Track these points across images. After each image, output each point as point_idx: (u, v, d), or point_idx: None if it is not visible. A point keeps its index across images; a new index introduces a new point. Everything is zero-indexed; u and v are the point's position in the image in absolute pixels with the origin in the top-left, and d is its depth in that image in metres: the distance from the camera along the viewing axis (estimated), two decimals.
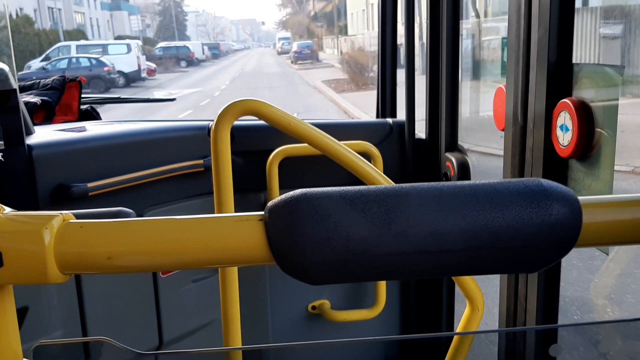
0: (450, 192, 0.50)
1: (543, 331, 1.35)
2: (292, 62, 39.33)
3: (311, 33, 57.87)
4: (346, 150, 1.61)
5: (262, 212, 0.51)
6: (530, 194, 0.50)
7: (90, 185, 1.69)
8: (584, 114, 1.21)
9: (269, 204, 0.51)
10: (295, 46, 40.97)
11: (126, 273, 0.51)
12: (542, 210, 0.49)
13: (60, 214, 0.50)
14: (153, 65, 30.36)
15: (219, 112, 1.50)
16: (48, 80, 2.29)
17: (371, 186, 0.51)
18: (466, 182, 0.52)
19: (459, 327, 1.43)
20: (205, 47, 49.85)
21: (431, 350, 2.17)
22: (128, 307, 1.91)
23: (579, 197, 0.51)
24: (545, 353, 1.28)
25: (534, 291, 1.38)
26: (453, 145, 2.04)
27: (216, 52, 54.50)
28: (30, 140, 1.66)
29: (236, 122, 1.96)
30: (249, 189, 2.08)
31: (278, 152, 2.03)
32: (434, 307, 2.23)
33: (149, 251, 0.49)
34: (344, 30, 45.72)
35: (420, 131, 2.20)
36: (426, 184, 0.51)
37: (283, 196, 0.51)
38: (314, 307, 2.29)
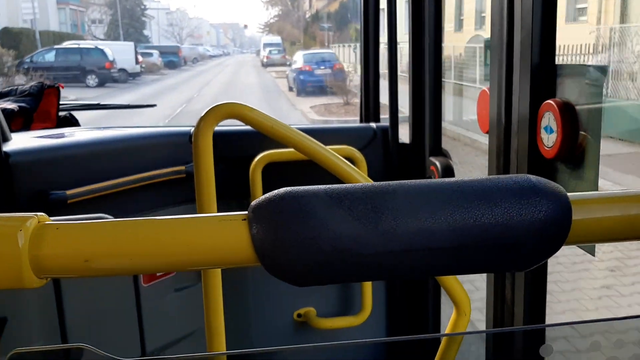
0: (438, 189, 0.49)
1: (531, 332, 1.35)
2: (291, 88, 21.22)
3: (310, 38, 43.45)
4: (331, 154, 1.60)
5: (246, 212, 0.49)
6: (519, 190, 0.48)
7: (69, 192, 1.66)
8: (568, 115, 1.21)
9: (253, 202, 0.49)
10: (299, 59, 20.87)
11: (105, 277, 0.49)
12: (532, 207, 0.48)
13: (35, 215, 0.48)
14: None
15: (201, 116, 1.48)
16: (26, 86, 2.26)
17: (357, 184, 0.50)
18: (454, 179, 0.50)
19: (446, 332, 1.42)
20: (155, 53, 35.00)
21: (418, 355, 2.15)
22: (109, 317, 1.87)
23: (569, 194, 0.50)
24: (534, 354, 1.28)
25: (521, 292, 1.37)
26: (437, 149, 2.04)
27: (174, 60, 38.59)
28: (7, 147, 1.63)
29: (218, 128, 1.94)
30: (233, 196, 2.06)
31: (261, 158, 2.01)
32: (420, 313, 2.22)
33: (128, 253, 0.47)
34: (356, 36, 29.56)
35: (404, 135, 2.20)
36: (413, 181, 0.50)
37: (267, 195, 0.49)
38: (299, 315, 2.26)
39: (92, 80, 23.81)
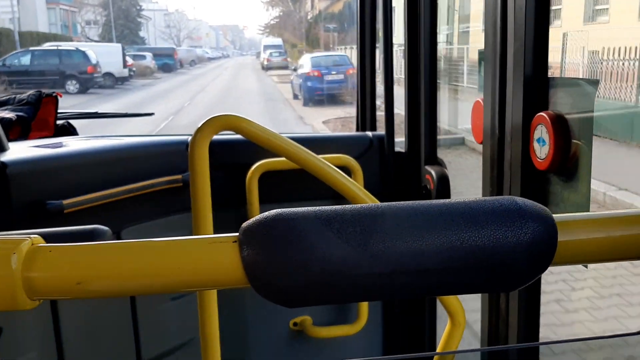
0: (425, 211, 0.50)
1: (525, 350, 1.35)
2: (296, 96, 18.55)
3: (312, 40, 40.43)
4: (326, 164, 1.61)
5: (237, 234, 0.50)
6: (505, 212, 0.49)
7: (65, 202, 1.66)
8: (560, 127, 1.22)
9: (244, 225, 0.50)
10: (306, 63, 17.98)
11: (96, 297, 0.49)
12: (517, 229, 0.49)
13: (29, 237, 0.49)
14: None
15: (198, 127, 1.49)
16: (24, 95, 2.26)
17: (347, 206, 0.51)
18: (441, 200, 0.51)
19: (440, 342, 1.43)
20: (148, 55, 32.12)
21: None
22: (105, 326, 1.87)
23: (554, 215, 0.51)
24: None
25: (515, 308, 1.38)
26: (432, 158, 2.05)
27: (169, 63, 35.91)
28: (5, 157, 1.63)
29: (215, 137, 1.94)
30: (229, 204, 2.07)
31: (257, 167, 2.02)
32: (416, 322, 2.22)
33: (120, 276, 0.48)
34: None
35: (400, 144, 2.21)
36: (402, 203, 0.51)
37: (258, 217, 0.50)
38: (295, 324, 2.27)
39: (72, 85, 21.31)
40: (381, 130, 2.24)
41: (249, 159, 2.05)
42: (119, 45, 27.35)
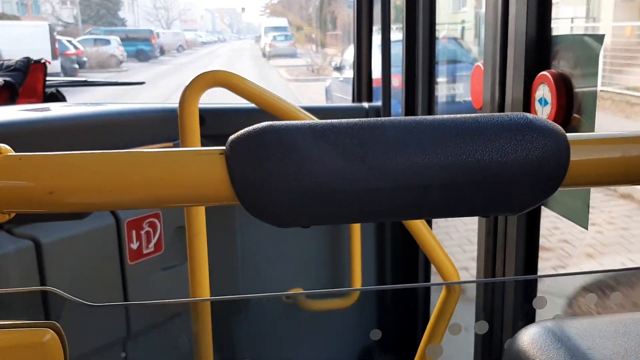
0: (429, 124, 0.46)
1: (524, 283, 1.32)
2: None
3: (327, 20, 29.52)
4: None
5: (224, 147, 0.46)
6: (515, 126, 0.46)
7: None
8: (563, 85, 1.18)
9: (231, 137, 0.46)
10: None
11: (73, 211, 0.45)
12: (528, 144, 0.45)
13: None
14: None
15: (186, 84, 1.44)
16: (11, 61, 2.21)
17: (343, 119, 0.47)
18: (447, 115, 0.47)
19: (435, 308, 1.40)
20: (114, 40, 25.22)
21: (409, 331, 2.14)
22: (94, 297, 1.84)
23: (567, 134, 0.48)
24: (527, 306, 1.26)
25: (513, 243, 1.34)
26: None
27: (144, 49, 28.56)
28: None
29: (207, 105, 1.89)
30: None
31: None
32: (410, 293, 2.20)
33: (96, 187, 0.44)
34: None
35: (396, 115, 2.17)
36: (404, 117, 0.47)
37: (247, 128, 0.46)
38: (287, 297, 2.24)
39: None
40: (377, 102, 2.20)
41: (241, 128, 2.00)
42: (45, 24, 18.87)
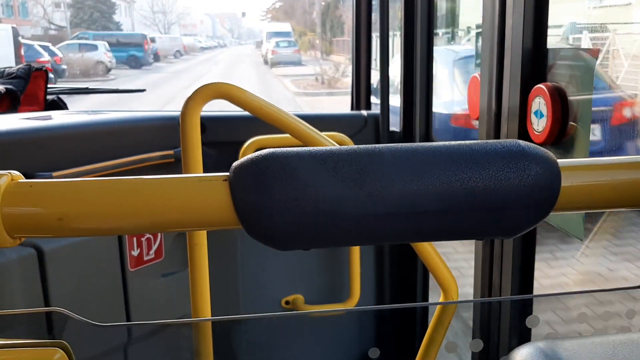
0: (425, 152, 0.48)
1: (519, 303, 1.35)
2: None
3: (333, 26, 29.55)
4: (326, 139, 1.58)
5: (227, 173, 0.48)
6: (508, 154, 0.48)
7: (55, 174, 1.64)
8: (559, 99, 1.20)
9: (235, 163, 0.48)
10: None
11: (82, 237, 0.47)
12: (520, 171, 0.47)
13: (9, 173, 0.47)
14: None
15: (188, 96, 1.46)
16: (13, 68, 2.22)
17: (343, 146, 0.49)
18: (442, 142, 0.49)
19: (433, 317, 1.41)
20: (101, 45, 23.30)
21: (407, 334, 2.16)
22: (96, 302, 1.85)
23: (558, 160, 0.49)
24: (521, 325, 1.28)
25: (509, 262, 1.36)
26: (427, 137, 2.03)
27: (136, 55, 26.59)
28: None
29: (208, 113, 1.91)
30: None
31: (251, 144, 1.99)
32: (408, 300, 2.22)
33: (105, 213, 0.46)
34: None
35: (395, 124, 2.19)
36: (401, 144, 0.49)
37: (250, 155, 0.48)
38: (287, 302, 2.25)
39: None
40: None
41: (242, 137, 2.02)
42: (9, 27, 16.30)
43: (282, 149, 0.48)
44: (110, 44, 24.63)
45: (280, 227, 0.46)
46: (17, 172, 0.47)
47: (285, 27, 35.41)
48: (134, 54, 26.93)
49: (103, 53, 23.15)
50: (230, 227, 0.48)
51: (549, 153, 0.49)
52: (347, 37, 23.29)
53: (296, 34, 36.60)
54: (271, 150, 0.47)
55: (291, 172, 0.46)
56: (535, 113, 1.26)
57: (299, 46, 30.95)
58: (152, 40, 31.55)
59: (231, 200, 0.46)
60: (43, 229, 0.46)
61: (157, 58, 30.60)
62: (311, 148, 0.48)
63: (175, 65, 29.62)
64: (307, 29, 37.44)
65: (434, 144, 0.49)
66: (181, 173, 1.56)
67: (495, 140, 0.49)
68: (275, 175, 0.46)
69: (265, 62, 28.83)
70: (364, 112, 2.23)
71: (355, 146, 0.49)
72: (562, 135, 1.21)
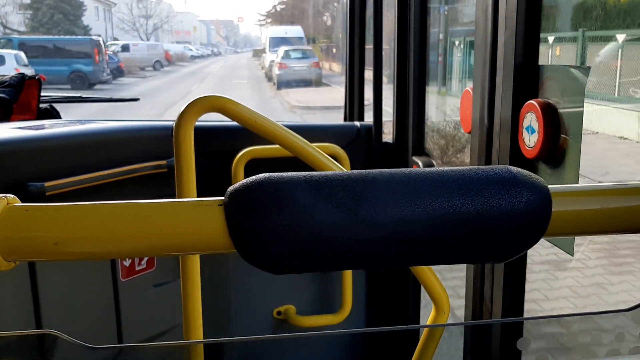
0: (418, 178, 0.49)
1: (509, 325, 1.35)
2: None
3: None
4: (317, 151, 1.58)
5: (223, 198, 0.48)
6: (500, 180, 0.48)
7: (47, 184, 1.63)
8: (550, 115, 1.21)
9: (230, 188, 0.48)
10: None
11: (77, 260, 0.47)
12: (512, 197, 0.48)
13: (5, 197, 0.47)
14: None
15: (182, 109, 1.46)
16: (6, 77, 2.22)
17: (337, 171, 0.49)
18: (435, 168, 0.50)
19: (425, 329, 1.42)
20: (11, 55, 16.91)
21: (397, 351, 2.16)
22: (86, 313, 1.84)
23: (549, 186, 0.50)
24: (512, 347, 1.28)
25: (500, 286, 1.37)
26: (420, 149, 2.04)
27: (82, 71, 19.41)
28: None
29: (201, 123, 1.91)
30: (214, 193, 2.04)
31: (244, 154, 2.00)
32: (400, 312, 2.22)
33: (100, 237, 0.46)
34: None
35: (388, 135, 2.20)
36: (394, 170, 0.50)
37: (245, 180, 0.48)
38: (279, 313, 2.25)
39: None
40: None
41: (235, 147, 2.02)
42: None
43: (277, 174, 0.48)
44: (46, 54, 18.48)
45: (275, 252, 0.46)
46: (12, 196, 0.47)
47: (295, 30, 26.81)
48: (78, 67, 19.52)
49: (13, 69, 15.11)
50: (224, 251, 0.48)
51: (539, 179, 0.50)
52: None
53: (311, 41, 28.56)
54: (267, 175, 0.48)
55: (286, 198, 0.46)
56: (527, 129, 1.27)
57: (317, 57, 21.88)
58: (125, 48, 25.84)
59: (226, 225, 0.47)
60: (39, 253, 0.46)
61: (120, 72, 23.59)
62: (306, 173, 0.48)
63: (149, 81, 20.88)
64: (318, 35, 29.54)
65: (427, 169, 0.50)
66: (174, 184, 1.56)
67: (487, 167, 0.50)
68: (270, 201, 0.46)
69: (269, 80, 21.05)
70: (357, 123, 2.24)
71: (350, 172, 0.49)
72: (553, 151, 1.23)
